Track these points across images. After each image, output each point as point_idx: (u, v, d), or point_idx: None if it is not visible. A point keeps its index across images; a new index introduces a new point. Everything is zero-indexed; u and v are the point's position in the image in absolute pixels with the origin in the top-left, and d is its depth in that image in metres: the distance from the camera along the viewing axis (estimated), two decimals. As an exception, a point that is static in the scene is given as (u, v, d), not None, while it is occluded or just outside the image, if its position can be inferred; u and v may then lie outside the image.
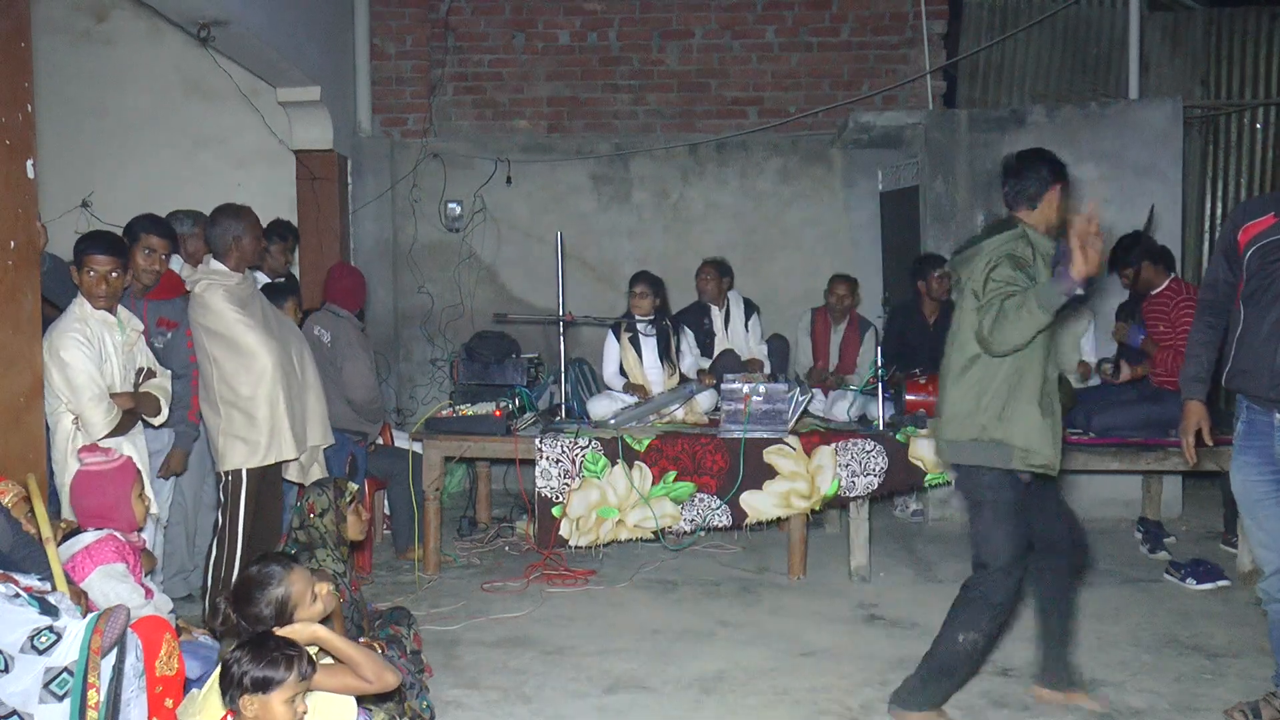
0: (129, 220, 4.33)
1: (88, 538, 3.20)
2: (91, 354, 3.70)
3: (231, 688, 2.38)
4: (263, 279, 5.06)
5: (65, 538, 3.21)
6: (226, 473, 4.10)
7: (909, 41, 7.34)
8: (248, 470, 4.09)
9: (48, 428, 3.71)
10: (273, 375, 4.08)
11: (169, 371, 4.12)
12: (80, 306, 3.77)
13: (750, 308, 6.32)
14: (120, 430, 3.78)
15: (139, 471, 3.54)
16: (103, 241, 3.83)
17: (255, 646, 2.40)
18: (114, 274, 3.78)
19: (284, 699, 2.36)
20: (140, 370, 3.96)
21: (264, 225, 5.12)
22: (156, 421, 4.02)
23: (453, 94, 7.53)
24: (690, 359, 5.96)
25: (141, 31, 7.08)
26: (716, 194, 7.38)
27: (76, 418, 3.70)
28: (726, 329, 6.18)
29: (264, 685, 2.35)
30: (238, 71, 6.55)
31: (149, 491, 3.74)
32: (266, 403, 4.07)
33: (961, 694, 3.67)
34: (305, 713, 2.44)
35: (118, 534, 3.27)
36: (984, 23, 7.91)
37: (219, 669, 2.48)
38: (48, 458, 3.66)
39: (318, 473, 4.37)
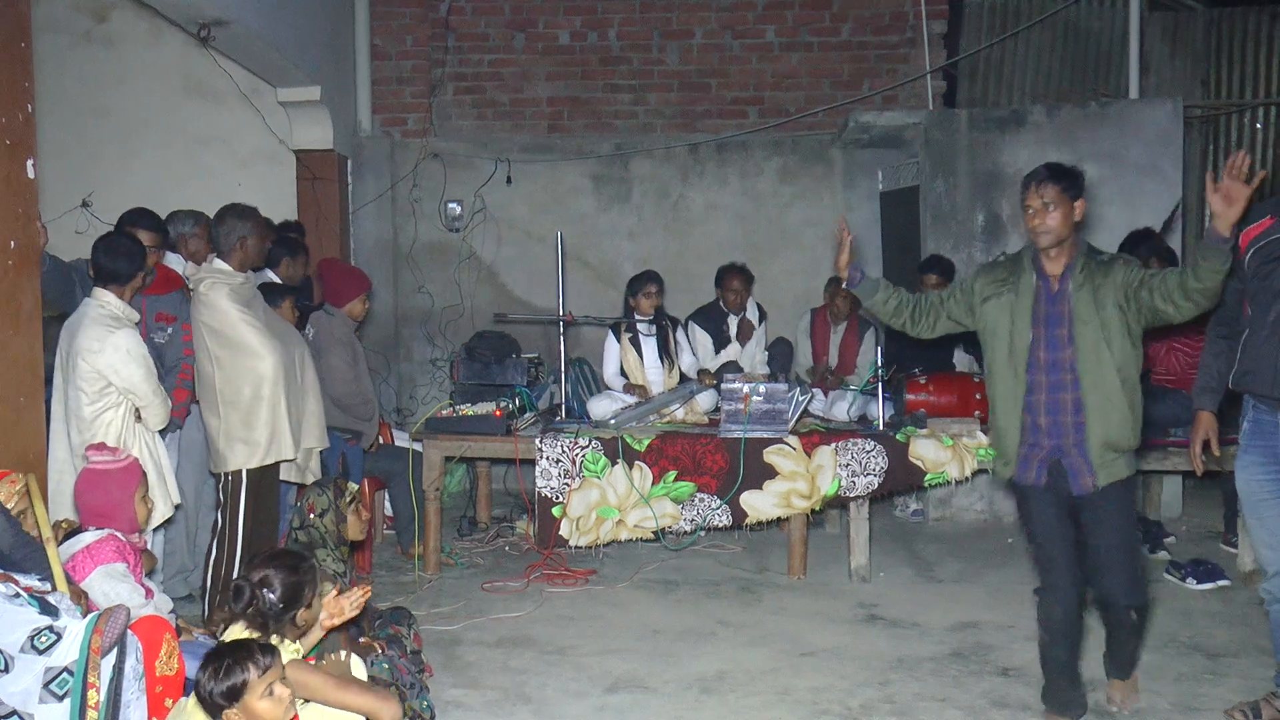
0: (119, 216, 4.36)
1: (88, 537, 3.20)
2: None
3: (210, 709, 2.41)
4: (272, 278, 5.04)
5: (66, 537, 3.22)
6: (226, 473, 4.10)
7: (909, 41, 7.33)
8: (247, 471, 4.09)
9: (50, 428, 3.74)
10: (274, 376, 4.07)
11: None
12: (108, 302, 3.85)
13: (761, 315, 6.28)
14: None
15: (144, 474, 3.57)
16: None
17: (211, 663, 2.43)
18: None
19: (259, 695, 2.39)
20: None
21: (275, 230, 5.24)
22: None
23: (453, 94, 7.53)
24: (689, 357, 5.95)
25: (141, 31, 7.08)
26: (716, 194, 7.38)
27: (139, 411, 3.85)
28: (739, 338, 6.15)
29: (234, 694, 2.38)
30: (238, 71, 6.55)
31: (160, 490, 3.81)
32: (268, 403, 4.07)
33: (961, 693, 3.68)
34: (290, 696, 2.45)
35: (118, 534, 3.28)
36: (984, 23, 7.92)
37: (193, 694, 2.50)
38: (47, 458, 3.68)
39: (314, 475, 4.37)
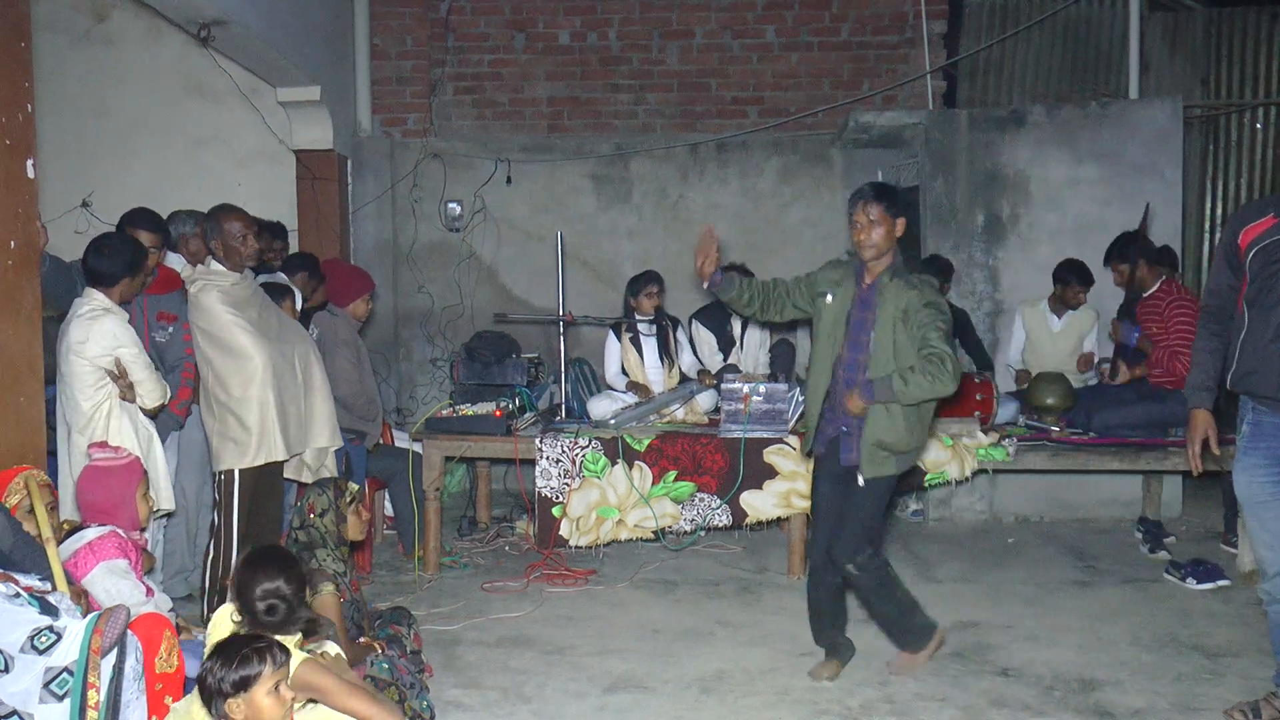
0: (121, 216, 4.37)
1: (90, 534, 3.21)
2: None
3: (214, 697, 2.40)
4: (281, 278, 5.04)
5: (67, 535, 3.23)
6: (220, 472, 4.12)
7: (909, 41, 7.33)
8: (240, 470, 4.10)
9: (65, 427, 3.77)
10: (263, 377, 4.07)
11: None
12: (95, 299, 3.87)
13: None
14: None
15: (145, 472, 3.57)
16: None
17: (223, 652, 2.43)
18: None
19: (266, 690, 2.39)
20: None
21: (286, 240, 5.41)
22: None
23: (453, 94, 7.53)
24: (689, 357, 5.95)
25: (141, 31, 7.08)
26: (716, 194, 7.38)
27: (130, 386, 3.88)
28: (743, 338, 6.15)
29: (244, 684, 2.38)
30: (238, 71, 6.55)
31: (157, 491, 3.81)
32: (257, 404, 4.07)
33: (961, 693, 3.68)
34: (291, 699, 2.45)
35: (119, 531, 3.29)
36: (984, 23, 7.91)
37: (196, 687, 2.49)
38: (50, 457, 3.69)
39: (328, 473, 4.37)
